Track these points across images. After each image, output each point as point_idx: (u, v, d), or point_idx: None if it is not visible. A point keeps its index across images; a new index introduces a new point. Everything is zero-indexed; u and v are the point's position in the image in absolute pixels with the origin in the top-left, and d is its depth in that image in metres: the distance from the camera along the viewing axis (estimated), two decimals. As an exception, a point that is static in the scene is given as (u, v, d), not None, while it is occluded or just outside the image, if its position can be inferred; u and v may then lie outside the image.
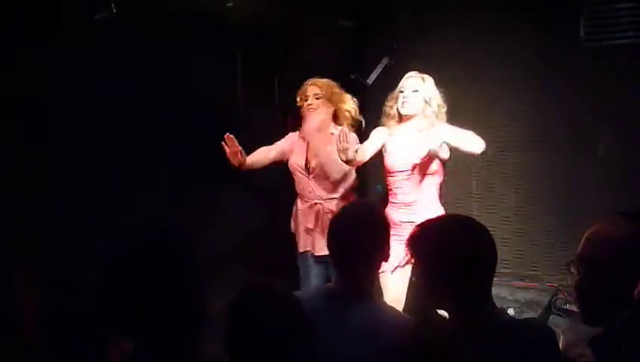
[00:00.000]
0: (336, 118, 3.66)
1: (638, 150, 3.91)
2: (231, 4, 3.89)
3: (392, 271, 3.39)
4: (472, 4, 4.37)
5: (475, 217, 3.39)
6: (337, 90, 3.63)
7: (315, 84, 3.60)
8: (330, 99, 3.59)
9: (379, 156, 3.88)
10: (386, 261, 2.18)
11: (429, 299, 1.83)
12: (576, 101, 4.07)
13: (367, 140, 3.56)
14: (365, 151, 3.50)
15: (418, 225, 1.92)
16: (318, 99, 3.57)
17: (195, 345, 1.50)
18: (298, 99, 3.67)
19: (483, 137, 4.36)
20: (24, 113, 3.21)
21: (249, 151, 3.85)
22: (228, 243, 4.46)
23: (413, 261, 1.89)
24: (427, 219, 2.00)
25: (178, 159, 4.08)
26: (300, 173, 3.69)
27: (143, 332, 1.44)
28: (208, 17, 3.87)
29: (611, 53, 3.95)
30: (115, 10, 3.32)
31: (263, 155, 3.75)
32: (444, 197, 3.57)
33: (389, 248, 2.17)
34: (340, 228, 2.14)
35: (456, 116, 3.69)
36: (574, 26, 4.04)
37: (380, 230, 2.17)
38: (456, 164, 3.63)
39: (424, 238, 1.84)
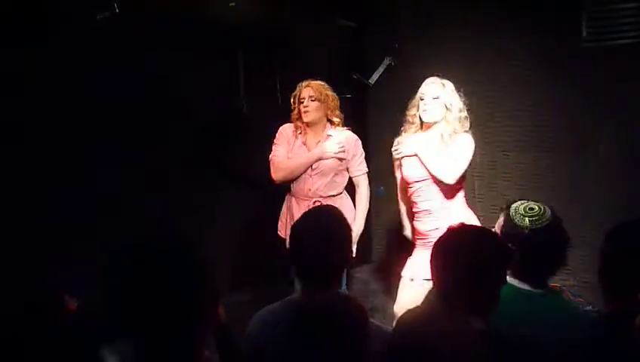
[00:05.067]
0: (328, 119, 3.68)
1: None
2: (233, 4, 3.89)
3: (412, 280, 3.34)
4: (472, 4, 4.37)
5: (478, 217, 3.42)
6: (330, 92, 3.66)
7: (310, 86, 3.64)
8: (324, 101, 3.63)
9: (380, 157, 3.88)
10: (347, 265, 2.07)
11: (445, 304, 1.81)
12: (577, 101, 4.05)
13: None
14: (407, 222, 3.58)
15: (441, 236, 1.93)
16: (313, 101, 3.60)
17: (196, 345, 1.49)
18: (292, 100, 3.70)
19: (484, 137, 4.40)
20: (24, 113, 3.21)
21: (249, 150, 3.85)
22: (228, 243, 4.46)
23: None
24: (450, 227, 1.97)
25: (179, 159, 4.08)
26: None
27: (144, 333, 1.44)
28: (210, 17, 3.87)
29: (613, 54, 3.94)
30: (117, 10, 3.32)
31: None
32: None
33: (352, 253, 2.08)
34: (303, 235, 2.03)
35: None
36: (576, 26, 4.03)
37: (343, 234, 2.08)
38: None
39: (447, 246, 1.84)
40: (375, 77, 4.38)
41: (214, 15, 3.87)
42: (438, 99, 3.29)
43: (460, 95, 3.33)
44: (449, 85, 3.33)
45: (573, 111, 4.09)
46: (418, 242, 3.44)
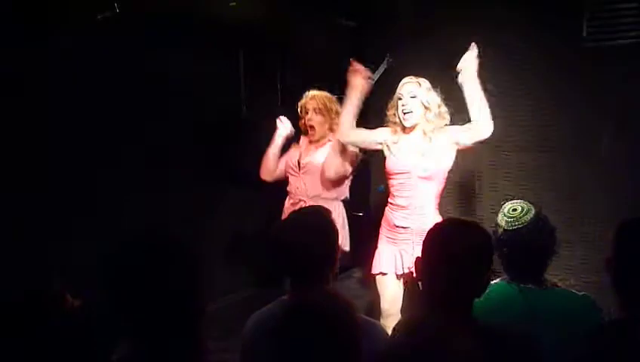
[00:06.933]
0: (331, 129, 3.77)
1: (640, 150, 3.90)
2: (233, 3, 3.90)
3: (385, 275, 3.43)
4: (473, 4, 4.36)
5: (478, 217, 3.42)
6: (334, 105, 3.75)
7: (315, 98, 3.74)
8: (328, 114, 3.73)
9: (380, 156, 3.88)
10: (335, 268, 2.07)
11: (432, 302, 1.80)
12: (578, 101, 4.05)
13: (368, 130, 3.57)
14: (358, 132, 3.52)
15: (431, 229, 1.90)
16: (317, 114, 3.72)
17: (194, 344, 1.49)
18: (299, 110, 3.81)
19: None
20: (24, 113, 3.21)
21: (251, 150, 3.87)
22: (227, 243, 4.46)
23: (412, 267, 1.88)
24: (433, 224, 1.96)
25: (179, 159, 4.08)
26: (292, 170, 3.84)
27: (142, 333, 1.44)
28: (211, 17, 3.87)
29: (614, 53, 3.94)
30: (118, 10, 3.32)
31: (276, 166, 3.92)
32: (446, 199, 3.57)
33: (339, 255, 2.08)
34: (288, 235, 2.04)
35: (456, 117, 3.67)
36: (577, 26, 4.03)
37: (328, 230, 2.08)
38: (460, 164, 3.61)
39: (436, 240, 1.83)
40: (376, 76, 4.37)
41: (214, 15, 3.87)
42: (416, 98, 3.33)
43: (436, 91, 3.37)
44: (425, 83, 3.38)
45: (573, 111, 4.08)
46: (386, 234, 3.47)
